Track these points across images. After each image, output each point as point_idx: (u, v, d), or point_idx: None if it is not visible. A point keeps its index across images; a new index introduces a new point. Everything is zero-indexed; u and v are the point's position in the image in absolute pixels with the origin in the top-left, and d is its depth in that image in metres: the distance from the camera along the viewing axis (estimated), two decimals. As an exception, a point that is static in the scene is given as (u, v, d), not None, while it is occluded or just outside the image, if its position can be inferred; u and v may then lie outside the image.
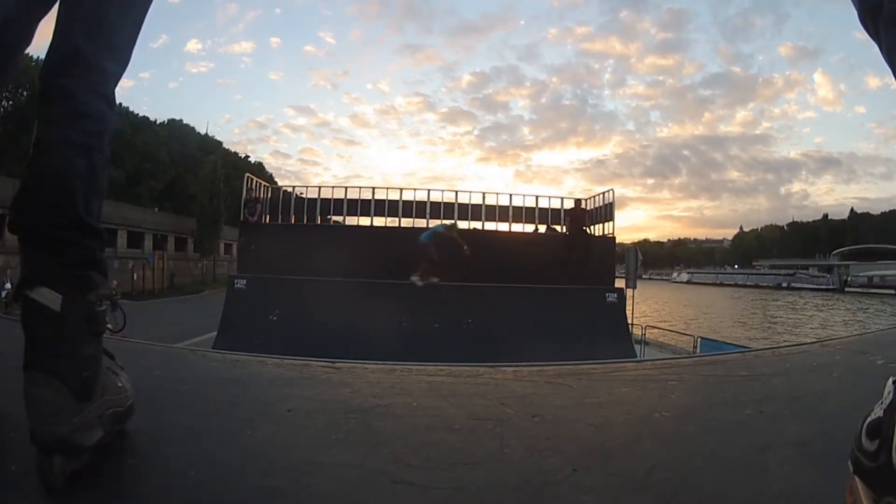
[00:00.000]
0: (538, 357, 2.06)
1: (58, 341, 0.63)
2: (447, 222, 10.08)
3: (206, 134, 42.84)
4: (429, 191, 12.28)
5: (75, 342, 0.64)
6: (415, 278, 9.11)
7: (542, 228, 12.26)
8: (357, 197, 11.71)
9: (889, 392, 0.51)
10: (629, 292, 11.08)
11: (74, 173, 0.67)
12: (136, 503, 0.66)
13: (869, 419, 0.53)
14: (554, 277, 10.17)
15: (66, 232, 0.65)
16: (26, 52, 0.86)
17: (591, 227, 11.71)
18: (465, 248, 9.19)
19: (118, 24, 0.75)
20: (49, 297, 0.62)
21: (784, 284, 73.81)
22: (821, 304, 47.68)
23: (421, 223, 11.71)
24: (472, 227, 11.74)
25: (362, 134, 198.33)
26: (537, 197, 12.44)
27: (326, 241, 10.67)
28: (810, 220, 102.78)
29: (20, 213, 0.66)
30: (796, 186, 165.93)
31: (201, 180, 33.96)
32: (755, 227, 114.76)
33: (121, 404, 0.72)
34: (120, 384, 0.74)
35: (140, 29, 0.81)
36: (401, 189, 12.14)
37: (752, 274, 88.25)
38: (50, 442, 0.62)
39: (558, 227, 12.16)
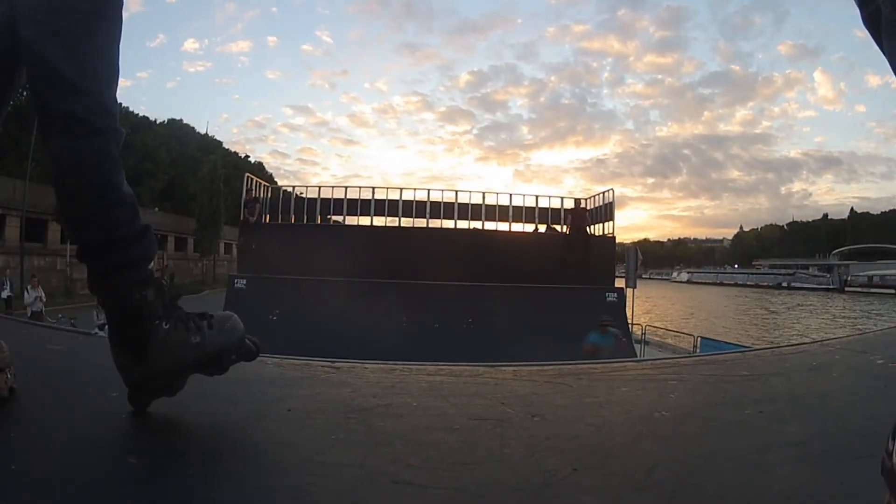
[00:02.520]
0: (538, 357, 2.06)
1: (114, 327, 0.89)
2: None
3: (206, 134, 42.87)
4: (428, 190, 12.31)
5: (120, 327, 0.88)
6: None
7: (543, 228, 12.25)
8: (357, 197, 11.71)
9: None
10: (629, 292, 11.08)
11: (72, 214, 0.85)
12: (136, 503, 0.66)
13: None
14: (554, 277, 10.17)
15: (88, 258, 0.86)
16: None
17: (591, 227, 11.71)
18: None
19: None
20: (97, 315, 0.90)
21: (784, 284, 73.76)
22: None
23: (421, 223, 11.72)
24: (472, 227, 11.74)
25: (361, 133, 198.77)
26: (537, 197, 12.46)
27: (326, 241, 10.66)
28: (810, 219, 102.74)
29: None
30: (797, 186, 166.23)
31: (201, 180, 33.93)
32: (755, 227, 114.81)
33: (189, 356, 0.89)
34: (196, 340, 0.89)
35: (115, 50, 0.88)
36: (400, 189, 12.17)
37: (752, 273, 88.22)
38: (127, 385, 0.89)
39: (558, 227, 12.15)
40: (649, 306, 33.84)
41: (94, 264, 0.86)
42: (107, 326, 0.92)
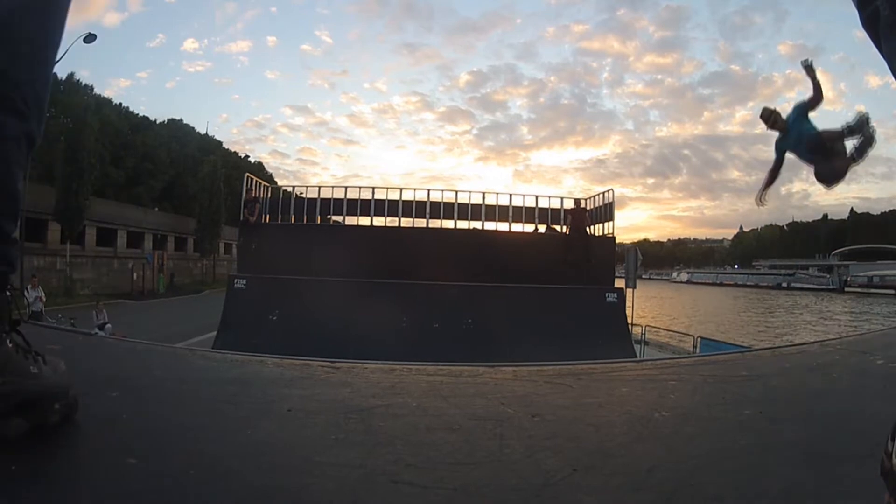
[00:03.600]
0: (538, 357, 2.06)
1: None
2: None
3: (206, 134, 42.88)
4: (428, 190, 12.27)
5: None
6: None
7: (542, 228, 12.25)
8: (357, 197, 11.69)
9: None
10: (629, 292, 11.08)
11: None
12: (136, 503, 0.66)
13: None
14: (554, 277, 10.17)
15: None
16: None
17: (591, 227, 11.71)
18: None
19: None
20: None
21: (784, 284, 73.72)
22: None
23: (421, 223, 11.71)
24: (471, 227, 11.74)
25: (360, 133, 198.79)
26: (537, 197, 12.43)
27: (326, 241, 10.67)
28: (810, 220, 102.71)
29: None
30: (797, 186, 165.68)
31: (201, 180, 33.95)
32: (755, 227, 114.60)
33: (25, 387, 0.78)
34: (34, 371, 0.80)
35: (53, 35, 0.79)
36: (400, 189, 12.15)
37: (751, 274, 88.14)
38: None
39: (558, 227, 12.15)
40: (654, 308, 33.83)
41: None
42: None
